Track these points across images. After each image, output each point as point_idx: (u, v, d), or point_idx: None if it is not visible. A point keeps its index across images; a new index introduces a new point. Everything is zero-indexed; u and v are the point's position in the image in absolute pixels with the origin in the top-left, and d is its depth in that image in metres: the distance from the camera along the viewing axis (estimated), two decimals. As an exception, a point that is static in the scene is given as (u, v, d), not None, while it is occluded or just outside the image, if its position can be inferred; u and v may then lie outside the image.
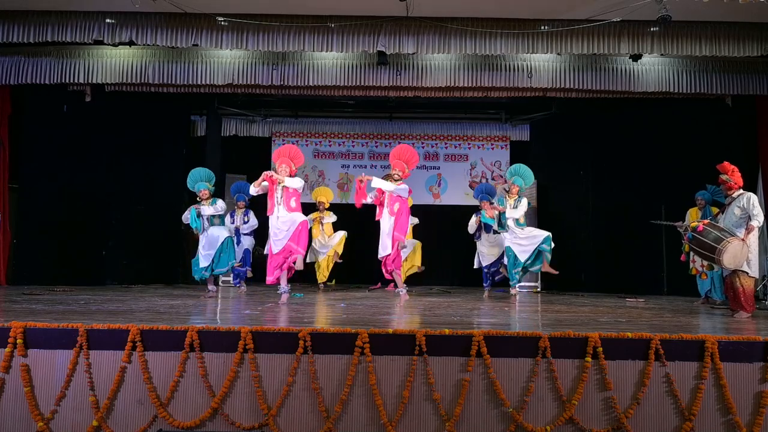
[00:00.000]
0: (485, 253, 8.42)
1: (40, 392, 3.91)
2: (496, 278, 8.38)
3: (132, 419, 3.89)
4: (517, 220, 7.44)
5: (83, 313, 5.03)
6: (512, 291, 7.68)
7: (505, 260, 7.74)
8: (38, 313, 4.90)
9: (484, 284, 8.44)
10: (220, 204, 7.50)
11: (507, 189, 7.69)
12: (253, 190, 6.47)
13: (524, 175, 7.60)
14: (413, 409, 3.88)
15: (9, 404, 3.89)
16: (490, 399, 3.88)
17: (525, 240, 7.46)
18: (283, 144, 11.16)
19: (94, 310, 5.37)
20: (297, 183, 6.37)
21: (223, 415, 3.88)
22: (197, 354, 3.91)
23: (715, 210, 7.14)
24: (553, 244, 7.42)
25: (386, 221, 6.95)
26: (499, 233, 7.81)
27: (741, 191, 5.79)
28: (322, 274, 9.22)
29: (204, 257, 7.47)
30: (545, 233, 7.46)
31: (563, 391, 3.87)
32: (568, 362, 3.91)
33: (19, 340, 3.90)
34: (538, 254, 7.47)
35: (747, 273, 5.60)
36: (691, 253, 7.16)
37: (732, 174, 5.83)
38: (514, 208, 7.47)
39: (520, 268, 7.53)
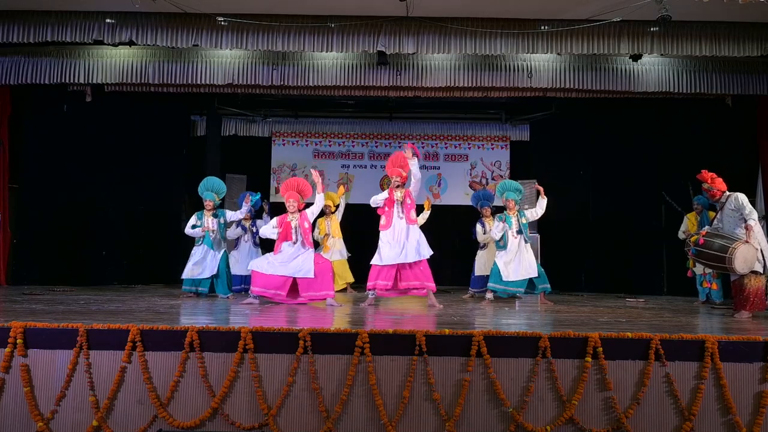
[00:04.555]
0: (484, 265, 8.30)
1: (40, 392, 3.90)
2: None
3: (132, 419, 3.89)
4: (526, 231, 7.33)
5: (83, 313, 5.03)
6: (488, 294, 7.51)
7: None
8: (38, 313, 4.90)
9: (475, 287, 8.34)
10: (230, 214, 7.59)
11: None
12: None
13: (515, 189, 7.46)
14: (413, 409, 3.87)
15: (9, 404, 3.89)
16: (490, 399, 3.87)
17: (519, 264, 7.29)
18: (283, 144, 11.30)
19: (94, 310, 5.37)
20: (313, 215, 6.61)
21: (223, 415, 3.88)
22: (197, 354, 3.91)
23: (712, 214, 7.14)
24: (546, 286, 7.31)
25: (405, 228, 6.52)
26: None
27: (728, 193, 5.77)
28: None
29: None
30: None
31: (563, 391, 3.86)
32: (568, 362, 3.91)
33: (19, 340, 3.90)
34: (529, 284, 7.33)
35: (758, 273, 5.57)
36: (699, 265, 7.10)
37: (713, 182, 5.80)
38: (517, 222, 7.31)
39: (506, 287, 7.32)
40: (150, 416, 3.88)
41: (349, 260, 9.23)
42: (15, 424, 3.88)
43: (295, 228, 6.43)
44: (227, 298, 7.39)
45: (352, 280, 9.10)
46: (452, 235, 10.63)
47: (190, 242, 7.91)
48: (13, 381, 3.89)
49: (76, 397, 3.89)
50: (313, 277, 6.32)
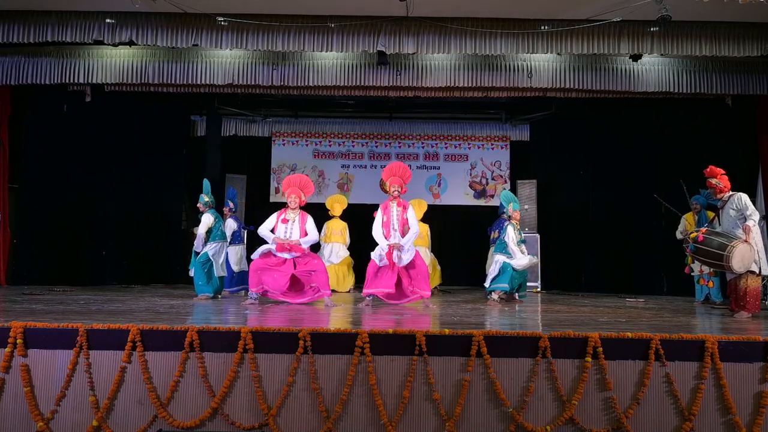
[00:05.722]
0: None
1: (40, 392, 3.91)
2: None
3: (132, 419, 3.89)
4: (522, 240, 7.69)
5: (83, 313, 5.03)
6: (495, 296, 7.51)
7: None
8: (38, 313, 4.90)
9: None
10: (204, 219, 7.47)
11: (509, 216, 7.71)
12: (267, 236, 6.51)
13: (515, 200, 7.88)
14: (413, 409, 3.87)
15: (9, 404, 3.89)
16: (490, 399, 3.88)
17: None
18: (283, 144, 11.30)
19: (94, 310, 5.37)
20: (313, 239, 6.52)
21: (223, 415, 3.88)
22: (197, 354, 3.91)
23: (711, 214, 7.14)
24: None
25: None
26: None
27: (731, 193, 5.77)
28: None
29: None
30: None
31: (563, 391, 3.87)
32: (568, 362, 3.91)
33: (19, 340, 3.90)
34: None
35: (754, 273, 5.57)
36: (696, 263, 7.16)
37: (720, 178, 5.81)
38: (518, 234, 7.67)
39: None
40: (150, 416, 3.88)
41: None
42: (15, 424, 3.88)
43: (292, 222, 6.47)
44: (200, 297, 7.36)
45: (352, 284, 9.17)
46: (452, 235, 10.64)
47: (190, 243, 7.92)
48: (13, 381, 3.89)
49: (76, 397, 3.89)
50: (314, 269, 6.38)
